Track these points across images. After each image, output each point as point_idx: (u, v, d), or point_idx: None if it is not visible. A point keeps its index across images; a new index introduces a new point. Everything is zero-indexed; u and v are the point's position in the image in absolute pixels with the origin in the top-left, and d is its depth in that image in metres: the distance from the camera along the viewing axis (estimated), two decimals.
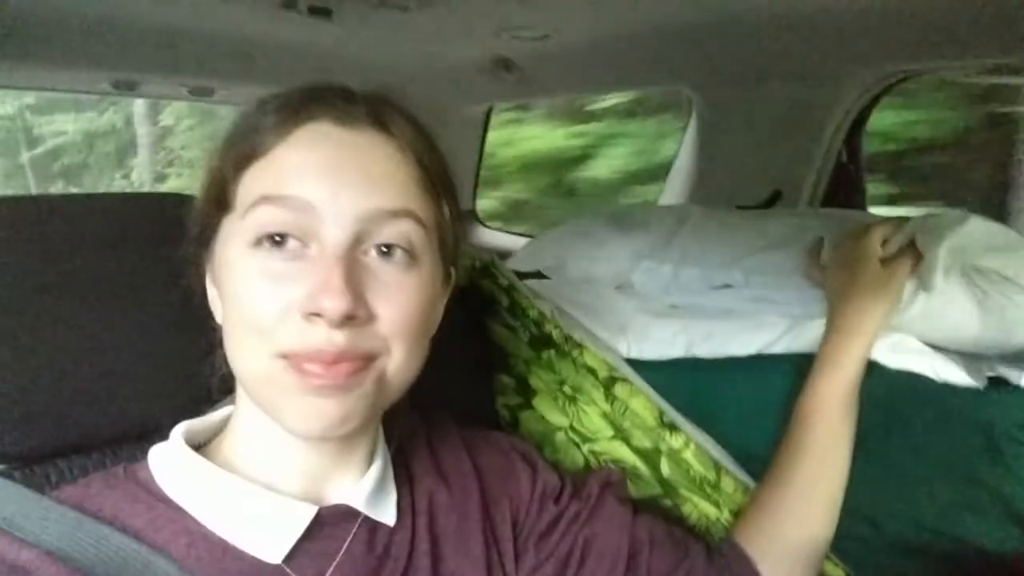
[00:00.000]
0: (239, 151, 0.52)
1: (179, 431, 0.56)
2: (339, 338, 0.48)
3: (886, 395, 0.72)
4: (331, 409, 0.50)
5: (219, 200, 0.52)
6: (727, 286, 0.89)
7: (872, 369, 0.72)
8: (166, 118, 6.62)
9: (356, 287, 0.49)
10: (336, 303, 0.47)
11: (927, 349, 0.74)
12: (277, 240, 0.49)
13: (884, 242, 0.75)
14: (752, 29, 1.09)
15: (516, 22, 1.12)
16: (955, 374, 0.71)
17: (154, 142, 6.83)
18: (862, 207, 1.54)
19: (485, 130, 2.16)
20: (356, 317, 0.49)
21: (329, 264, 0.49)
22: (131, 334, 0.61)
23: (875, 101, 1.38)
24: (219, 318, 0.55)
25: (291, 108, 0.52)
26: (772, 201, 1.43)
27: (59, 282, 0.61)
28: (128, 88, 1.57)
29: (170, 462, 0.55)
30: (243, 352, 0.51)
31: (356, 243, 0.50)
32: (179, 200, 0.62)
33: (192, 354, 0.60)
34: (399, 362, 0.52)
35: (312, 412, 0.50)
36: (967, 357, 0.74)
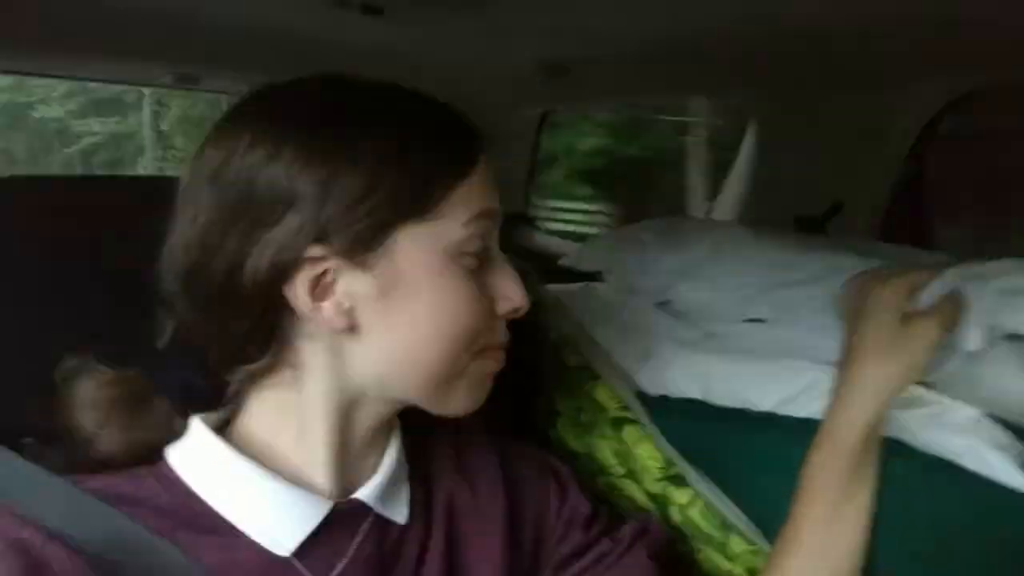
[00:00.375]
0: (438, 162, 0.53)
1: (198, 419, 0.56)
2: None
3: (908, 480, 0.62)
4: (489, 387, 0.60)
5: (416, 206, 0.52)
6: (759, 320, 0.80)
7: (894, 447, 0.62)
8: (164, 124, 8.63)
9: None
10: (526, 304, 0.58)
11: (972, 423, 0.62)
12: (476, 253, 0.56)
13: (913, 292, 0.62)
14: (816, 37, 1.05)
15: (570, 25, 1.10)
16: (1004, 471, 0.58)
17: (156, 143, 8.72)
18: (928, 226, 1.48)
19: (539, 135, 2.15)
20: None
21: (508, 268, 0.58)
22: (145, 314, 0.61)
23: (944, 114, 1.32)
24: (339, 323, 0.53)
25: (466, 123, 0.57)
26: (832, 213, 1.37)
27: (84, 256, 0.62)
28: (191, 83, 1.62)
29: (188, 450, 0.55)
30: (439, 353, 0.54)
31: None
32: None
33: None
34: None
35: (481, 395, 0.59)
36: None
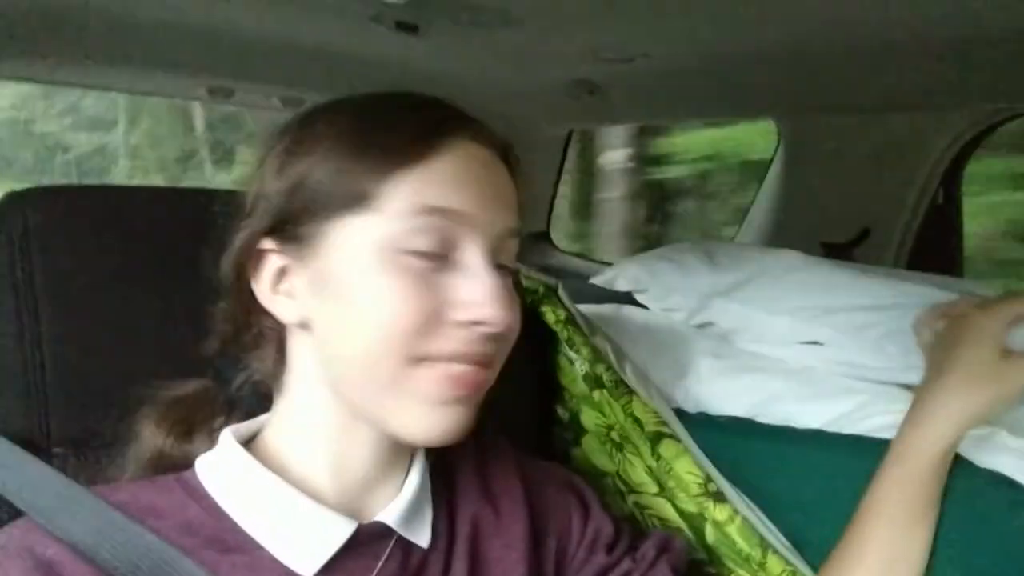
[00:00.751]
0: (381, 149, 0.51)
1: (228, 431, 0.56)
2: (491, 347, 0.52)
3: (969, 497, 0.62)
4: (458, 418, 0.52)
5: (348, 196, 0.51)
6: (815, 343, 0.81)
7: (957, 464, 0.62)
8: (134, 138, 9.53)
9: None
10: (503, 315, 0.51)
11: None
12: (430, 253, 0.51)
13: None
14: (847, 58, 1.05)
15: (602, 44, 1.10)
16: None
17: (129, 152, 9.56)
18: (958, 253, 1.46)
19: (564, 153, 2.15)
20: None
21: (484, 276, 0.52)
22: (195, 324, 0.61)
23: (977, 140, 1.31)
24: (290, 317, 0.54)
25: (433, 117, 0.53)
26: (860, 239, 1.36)
27: (123, 269, 0.62)
28: (224, 96, 1.64)
29: (216, 462, 0.55)
30: (368, 355, 0.51)
31: (492, 258, 0.53)
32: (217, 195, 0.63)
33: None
34: (495, 374, 0.54)
35: (439, 420, 0.52)
36: None
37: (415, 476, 0.58)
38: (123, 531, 0.48)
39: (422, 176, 0.51)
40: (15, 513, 0.49)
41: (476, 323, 0.51)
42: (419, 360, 0.50)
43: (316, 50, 1.24)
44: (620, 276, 1.03)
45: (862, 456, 0.63)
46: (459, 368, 0.51)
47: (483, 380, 0.53)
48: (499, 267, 0.54)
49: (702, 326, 0.90)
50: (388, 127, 0.53)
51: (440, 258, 0.51)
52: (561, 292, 0.88)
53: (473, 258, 0.52)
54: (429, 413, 0.51)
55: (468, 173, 0.52)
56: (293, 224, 0.53)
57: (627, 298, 1.00)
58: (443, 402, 0.51)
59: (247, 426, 0.58)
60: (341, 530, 0.52)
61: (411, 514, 0.56)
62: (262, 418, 0.59)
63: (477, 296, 0.51)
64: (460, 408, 0.52)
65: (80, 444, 0.61)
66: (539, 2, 0.92)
